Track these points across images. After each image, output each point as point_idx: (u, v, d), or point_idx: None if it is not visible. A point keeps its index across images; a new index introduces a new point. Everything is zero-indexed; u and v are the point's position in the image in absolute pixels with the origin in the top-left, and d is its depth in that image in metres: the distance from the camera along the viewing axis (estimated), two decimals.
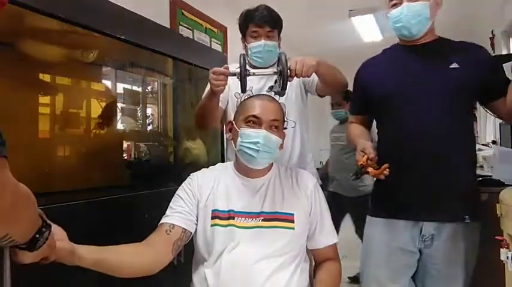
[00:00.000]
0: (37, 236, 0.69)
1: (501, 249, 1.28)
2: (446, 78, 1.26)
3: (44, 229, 0.71)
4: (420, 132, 1.27)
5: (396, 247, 1.31)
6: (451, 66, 1.26)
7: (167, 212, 1.12)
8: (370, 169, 1.17)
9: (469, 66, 1.25)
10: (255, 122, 1.12)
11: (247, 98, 1.22)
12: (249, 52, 1.55)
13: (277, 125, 1.13)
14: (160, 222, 1.10)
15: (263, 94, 1.30)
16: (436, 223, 1.27)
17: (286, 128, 1.36)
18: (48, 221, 0.73)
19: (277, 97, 1.31)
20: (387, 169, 1.16)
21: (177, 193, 1.17)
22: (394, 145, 1.32)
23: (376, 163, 1.20)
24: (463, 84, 1.24)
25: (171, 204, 1.14)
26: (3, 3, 0.57)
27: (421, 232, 1.29)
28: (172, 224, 1.08)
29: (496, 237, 1.30)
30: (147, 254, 1.02)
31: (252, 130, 1.11)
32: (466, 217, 1.26)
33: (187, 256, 1.18)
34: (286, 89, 1.22)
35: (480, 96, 1.32)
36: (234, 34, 3.69)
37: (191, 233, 1.11)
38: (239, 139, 1.11)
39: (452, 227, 1.26)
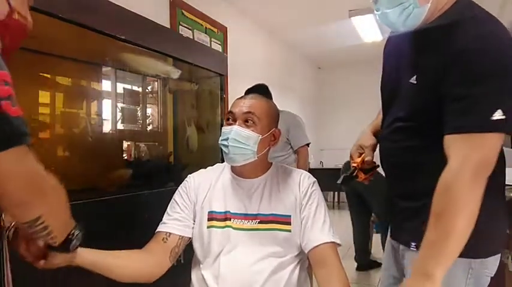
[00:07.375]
0: (71, 237, 0.70)
1: None
2: (405, 91, 1.01)
3: (77, 231, 0.71)
4: (383, 140, 1.12)
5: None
6: (410, 80, 0.97)
7: (164, 219, 1.12)
8: (360, 174, 1.13)
9: (426, 80, 0.94)
10: (230, 118, 1.10)
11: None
12: None
13: (253, 119, 1.08)
14: (157, 230, 1.10)
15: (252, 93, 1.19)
16: (396, 242, 1.12)
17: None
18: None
19: None
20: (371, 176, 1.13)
21: (173, 197, 1.16)
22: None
23: (370, 165, 1.13)
24: (418, 101, 0.96)
25: (168, 210, 1.14)
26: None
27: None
28: (169, 233, 1.08)
29: None
30: (147, 260, 1.03)
31: (226, 127, 1.09)
32: (413, 243, 1.00)
33: (187, 256, 1.18)
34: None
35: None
36: (234, 34, 3.71)
37: (189, 237, 1.11)
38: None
39: (406, 252, 1.05)
